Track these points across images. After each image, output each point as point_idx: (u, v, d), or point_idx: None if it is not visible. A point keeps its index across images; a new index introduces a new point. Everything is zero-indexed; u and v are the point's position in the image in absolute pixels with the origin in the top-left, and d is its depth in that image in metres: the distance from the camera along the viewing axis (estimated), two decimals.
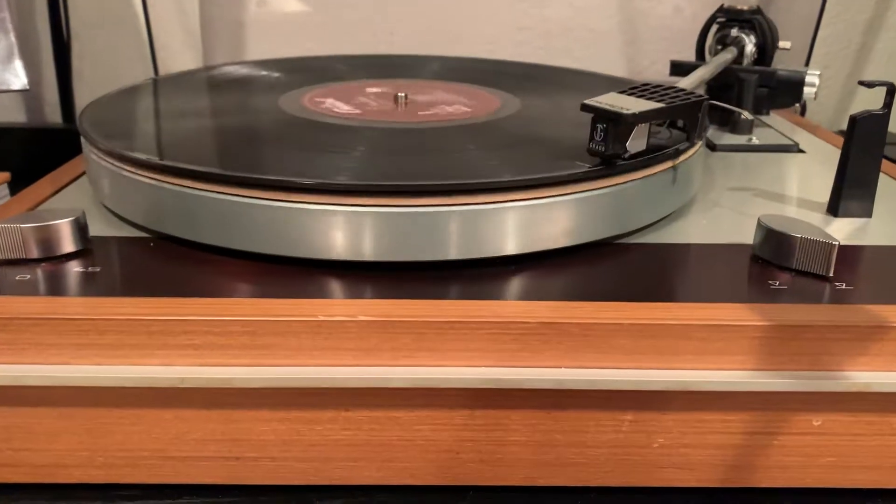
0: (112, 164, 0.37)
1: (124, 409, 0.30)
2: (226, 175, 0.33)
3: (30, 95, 0.75)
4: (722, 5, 0.59)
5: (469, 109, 0.47)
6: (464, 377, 0.29)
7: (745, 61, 0.57)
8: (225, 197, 0.33)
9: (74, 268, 0.33)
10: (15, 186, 0.49)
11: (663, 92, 0.37)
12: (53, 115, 0.76)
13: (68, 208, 0.35)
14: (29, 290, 0.31)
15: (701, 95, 0.38)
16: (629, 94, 0.36)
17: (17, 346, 0.29)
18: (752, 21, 0.57)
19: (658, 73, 0.78)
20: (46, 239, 0.33)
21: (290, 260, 0.33)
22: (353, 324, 0.29)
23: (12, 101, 0.75)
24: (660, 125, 0.39)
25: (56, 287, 0.31)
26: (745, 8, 0.57)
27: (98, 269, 0.33)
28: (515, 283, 0.32)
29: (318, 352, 0.29)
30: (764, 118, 0.59)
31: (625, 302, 0.30)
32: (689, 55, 0.62)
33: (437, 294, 0.31)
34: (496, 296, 0.31)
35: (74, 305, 0.30)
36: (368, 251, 0.33)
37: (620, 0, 0.77)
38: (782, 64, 0.57)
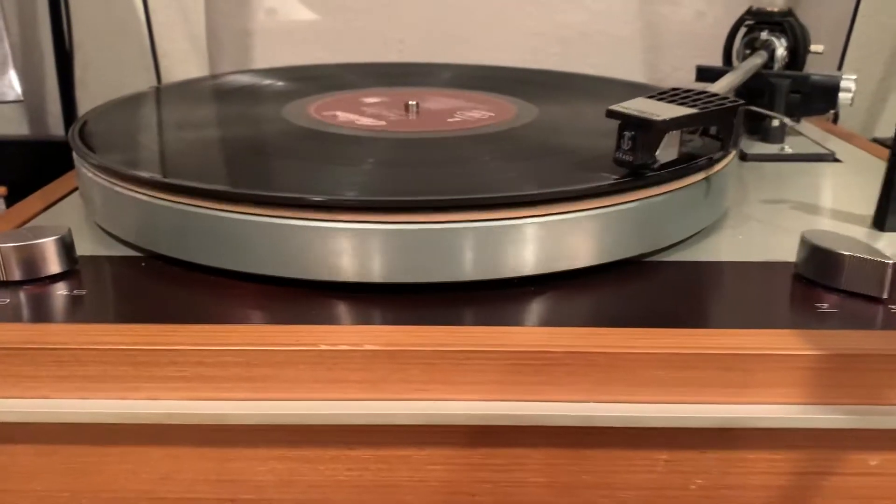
0: (102, 178, 0.35)
1: (109, 447, 0.28)
2: (223, 191, 0.31)
3: (32, 106, 0.74)
4: (750, 7, 0.57)
5: (484, 118, 0.44)
6: (480, 412, 0.27)
7: (776, 66, 0.54)
8: (221, 214, 0.31)
9: (58, 290, 0.31)
10: (14, 200, 0.47)
11: (695, 96, 0.35)
12: (56, 127, 0.74)
13: (54, 226, 0.33)
14: (6, 315, 0.29)
15: (736, 100, 0.35)
16: (658, 100, 0.34)
17: None
18: (782, 24, 0.54)
19: (680, 80, 0.75)
20: (29, 259, 0.31)
21: (293, 282, 0.31)
22: (357, 353, 0.27)
23: (14, 112, 0.74)
24: (692, 132, 0.37)
25: (36, 312, 0.29)
26: (776, 10, 0.55)
27: (84, 292, 0.31)
28: (536, 307, 0.30)
29: (319, 384, 0.27)
30: (795, 125, 0.56)
31: (657, 328, 0.28)
32: (712, 60, 0.60)
33: (450, 319, 0.29)
34: (515, 321, 0.29)
35: (54, 333, 0.28)
36: (377, 272, 0.31)
37: (640, 4, 0.75)
38: (813, 68, 0.54)
